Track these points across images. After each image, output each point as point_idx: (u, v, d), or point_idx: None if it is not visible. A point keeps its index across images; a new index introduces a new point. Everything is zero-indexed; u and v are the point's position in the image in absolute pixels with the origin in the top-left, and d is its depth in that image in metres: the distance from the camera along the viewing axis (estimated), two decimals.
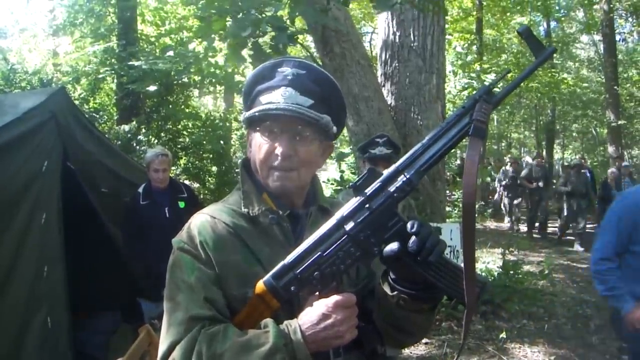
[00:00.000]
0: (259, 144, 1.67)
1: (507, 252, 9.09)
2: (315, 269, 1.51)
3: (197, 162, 14.08)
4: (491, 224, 16.35)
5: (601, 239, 3.85)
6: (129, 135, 11.78)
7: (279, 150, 1.63)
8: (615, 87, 19.67)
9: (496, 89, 1.59)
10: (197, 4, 6.26)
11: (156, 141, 12.62)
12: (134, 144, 11.56)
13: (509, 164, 16.33)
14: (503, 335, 6.35)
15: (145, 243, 5.18)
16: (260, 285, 1.52)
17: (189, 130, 14.14)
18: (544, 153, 25.76)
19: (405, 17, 7.59)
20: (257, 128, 1.68)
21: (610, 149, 19.88)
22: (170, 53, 9.09)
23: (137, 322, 5.00)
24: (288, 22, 5.34)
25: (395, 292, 1.57)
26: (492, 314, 6.97)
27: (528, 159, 23.20)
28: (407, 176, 1.49)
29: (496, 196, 17.77)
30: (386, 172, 1.51)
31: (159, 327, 3.61)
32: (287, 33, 5.13)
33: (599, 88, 25.18)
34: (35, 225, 4.21)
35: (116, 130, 11.92)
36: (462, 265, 1.47)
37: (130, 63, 11.42)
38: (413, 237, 1.44)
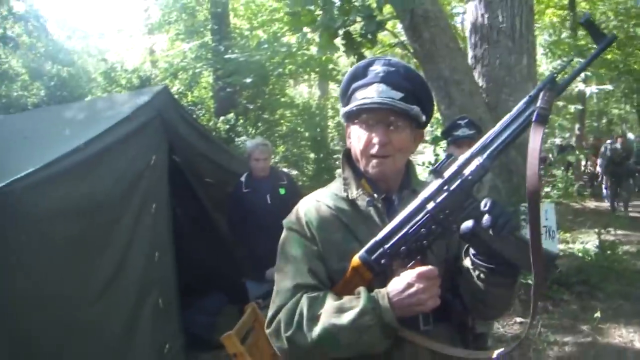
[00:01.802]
0: (358, 135, 1.86)
1: (605, 231, 8.88)
2: (402, 244, 1.69)
3: (295, 149, 14.33)
4: (591, 204, 15.89)
5: None
6: (227, 126, 12.15)
7: (375, 139, 1.80)
8: None
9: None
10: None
11: (254, 131, 12.94)
12: (233, 135, 11.92)
13: (613, 141, 15.33)
14: (598, 314, 6.25)
15: (249, 228, 5.48)
16: (355, 259, 1.73)
17: (286, 118, 14.40)
18: None
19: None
20: (355, 121, 1.87)
21: None
22: (265, 46, 9.23)
23: (241, 303, 5.31)
24: (376, 10, 5.47)
25: (475, 267, 1.73)
26: (587, 294, 6.88)
27: (630, 135, 22.37)
28: (481, 161, 1.64)
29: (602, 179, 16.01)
30: (461, 157, 1.68)
31: (263, 305, 3.88)
32: (376, 21, 5.26)
33: None
34: (146, 214, 4.52)
35: (215, 122, 12.33)
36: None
37: (227, 57, 11.77)
38: (486, 215, 1.58)
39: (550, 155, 18.11)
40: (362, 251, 1.73)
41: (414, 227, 1.70)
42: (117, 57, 19.72)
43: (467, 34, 8.45)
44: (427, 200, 1.70)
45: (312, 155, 15.23)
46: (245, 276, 5.41)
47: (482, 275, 1.72)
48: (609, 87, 16.70)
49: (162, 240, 4.64)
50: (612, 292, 7.02)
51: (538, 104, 1.60)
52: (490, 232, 1.59)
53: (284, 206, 5.69)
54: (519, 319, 6.11)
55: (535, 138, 1.56)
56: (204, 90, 15.29)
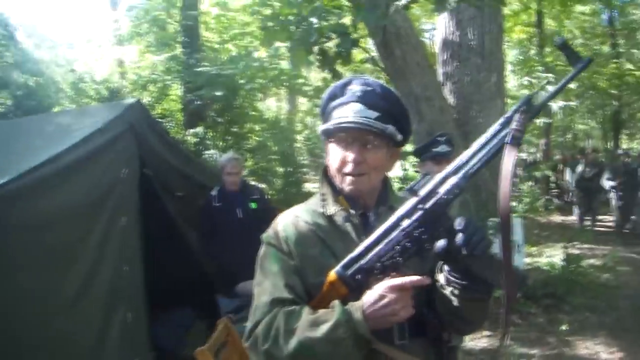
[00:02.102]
0: (334, 153, 1.92)
1: (570, 245, 9.04)
2: (377, 260, 1.73)
3: (263, 163, 14.36)
4: (557, 218, 16.11)
5: None
6: (196, 140, 12.14)
7: (350, 157, 1.87)
8: None
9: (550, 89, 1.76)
10: (262, 14, 6.50)
11: (223, 145, 12.96)
12: (202, 149, 11.90)
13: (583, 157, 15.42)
14: (565, 327, 6.38)
15: (219, 243, 5.48)
16: (331, 274, 1.77)
17: (255, 132, 14.43)
18: (611, 144, 25.18)
19: (463, 17, 7.68)
20: (332, 139, 1.92)
21: None
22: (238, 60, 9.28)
23: (210, 319, 5.28)
24: (351, 28, 5.53)
25: (449, 283, 1.76)
26: (554, 307, 6.99)
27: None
28: (456, 180, 1.69)
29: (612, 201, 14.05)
30: (437, 176, 1.72)
31: (235, 320, 3.87)
32: (350, 39, 5.33)
33: None
34: (116, 228, 4.47)
35: (184, 135, 12.31)
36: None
37: (198, 70, 11.77)
38: (460, 234, 1.63)
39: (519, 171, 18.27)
40: (338, 266, 1.77)
41: (388, 244, 1.73)
42: (86, 67, 19.59)
43: (437, 50, 8.57)
44: (402, 218, 1.74)
45: (280, 169, 15.28)
46: (216, 291, 5.40)
47: (455, 292, 1.76)
48: (574, 103, 16.97)
49: (132, 254, 4.59)
50: (578, 305, 7.15)
51: (512, 126, 1.65)
52: (464, 250, 1.63)
53: (255, 220, 5.76)
54: (486, 333, 6.18)
55: (508, 160, 1.62)
56: (173, 102, 15.25)
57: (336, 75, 5.94)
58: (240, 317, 4.40)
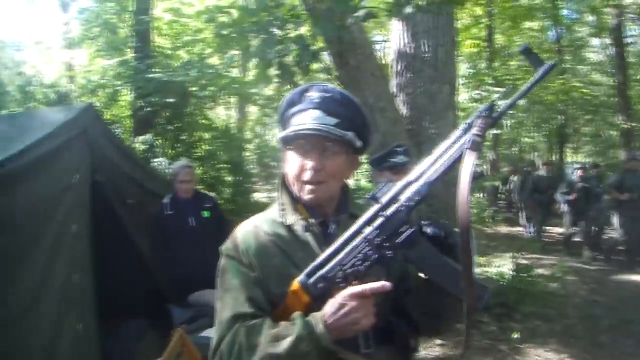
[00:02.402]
0: (293, 160, 1.89)
1: (519, 255, 9.20)
2: (340, 269, 1.73)
3: (212, 172, 14.24)
4: (503, 229, 16.39)
5: None
6: (145, 147, 11.97)
7: (309, 165, 1.84)
8: (627, 90, 19.71)
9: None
10: (218, 21, 6.42)
11: (172, 153, 12.82)
12: (151, 156, 11.73)
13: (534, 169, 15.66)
14: (517, 335, 6.48)
15: (172, 252, 5.40)
16: (295, 283, 1.77)
17: (204, 141, 14.31)
18: (556, 157, 25.78)
19: (418, 30, 7.72)
20: (291, 147, 1.89)
21: (622, 152, 19.87)
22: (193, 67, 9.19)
23: (163, 329, 5.18)
24: (310, 40, 5.51)
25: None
26: (506, 315, 7.08)
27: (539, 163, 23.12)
28: (417, 188, 1.70)
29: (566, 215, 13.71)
30: (399, 184, 1.73)
31: (189, 331, 3.81)
32: (310, 51, 5.31)
33: (610, 91, 25.16)
34: (67, 235, 4.36)
35: (133, 143, 12.12)
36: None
37: (150, 76, 11.62)
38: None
39: None
40: (302, 275, 1.76)
41: (350, 253, 1.74)
42: (35, 70, 19.16)
43: (390, 62, 8.61)
44: (364, 226, 1.75)
45: (229, 179, 15.18)
46: (169, 301, 5.31)
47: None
48: (522, 115, 17.30)
49: (83, 263, 4.47)
50: (529, 314, 7.27)
51: (473, 131, 1.67)
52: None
53: (208, 230, 5.68)
54: (439, 341, 6.21)
55: (467, 165, 1.63)
56: (122, 109, 15.01)
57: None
58: (194, 327, 4.33)
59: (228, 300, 1.84)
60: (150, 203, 5.77)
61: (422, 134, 7.61)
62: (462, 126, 1.72)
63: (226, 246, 1.95)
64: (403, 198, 1.72)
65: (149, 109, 12.41)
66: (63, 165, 4.51)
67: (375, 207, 1.74)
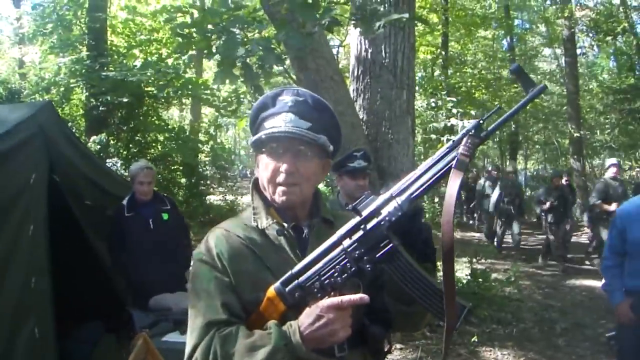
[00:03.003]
0: (266, 163, 1.88)
1: (474, 260, 9.32)
2: (316, 279, 1.72)
3: (166, 173, 14.09)
4: (456, 234, 16.54)
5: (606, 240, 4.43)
6: (98, 147, 11.79)
7: (283, 167, 1.83)
8: (577, 99, 20.19)
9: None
10: (176, 21, 6.35)
11: (125, 153, 12.65)
12: (104, 156, 11.55)
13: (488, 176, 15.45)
14: (475, 339, 6.57)
15: (130, 254, 5.31)
16: (270, 290, 1.76)
17: (159, 142, 14.16)
18: (507, 164, 26.22)
19: (377, 35, 7.77)
20: (263, 150, 1.89)
21: (572, 160, 20.35)
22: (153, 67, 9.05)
23: (120, 333, 5.10)
24: (275, 43, 5.48)
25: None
26: (463, 319, 7.15)
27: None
28: (399, 203, 1.68)
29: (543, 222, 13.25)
30: (381, 198, 1.72)
31: (151, 335, 3.75)
32: (274, 54, 5.27)
33: (561, 100, 25.74)
34: (23, 237, 4.24)
35: (86, 142, 11.92)
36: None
37: (104, 74, 11.44)
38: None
39: None
40: (278, 282, 1.74)
41: (328, 263, 1.73)
42: None
43: (344, 64, 8.64)
44: (343, 237, 1.74)
45: (183, 180, 15.05)
46: (126, 304, 5.22)
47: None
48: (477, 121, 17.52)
49: (40, 265, 4.34)
50: (485, 317, 7.41)
51: (460, 150, 1.66)
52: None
53: (167, 232, 5.60)
54: (398, 345, 6.27)
55: (452, 184, 1.62)
56: (75, 108, 14.74)
57: (258, 90, 5.88)
58: (156, 332, 4.27)
59: (200, 307, 1.81)
60: (109, 204, 5.67)
61: (380, 139, 7.64)
62: (449, 144, 1.71)
63: (198, 250, 1.91)
64: (384, 212, 1.70)
65: (102, 108, 12.22)
66: (20, 165, 4.39)
67: (356, 220, 1.73)
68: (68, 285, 4.92)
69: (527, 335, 7.17)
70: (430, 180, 1.69)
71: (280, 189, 1.86)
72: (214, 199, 17.88)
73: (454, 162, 1.65)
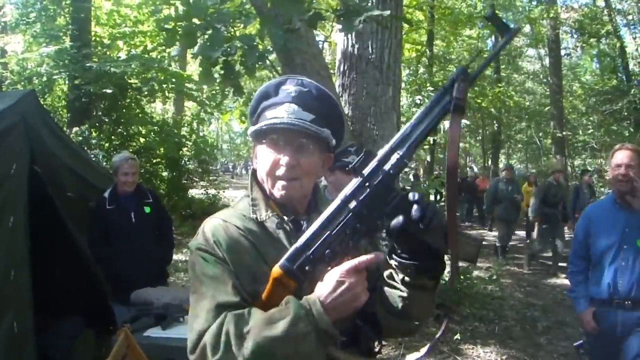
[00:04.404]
0: (265, 155, 1.83)
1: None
2: (326, 247, 1.64)
3: (148, 166, 14.01)
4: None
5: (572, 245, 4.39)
6: (80, 138, 11.69)
7: (283, 160, 1.78)
8: (560, 99, 20.32)
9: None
10: (162, 14, 6.27)
11: (107, 145, 12.57)
12: (85, 148, 11.46)
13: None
14: (457, 336, 6.60)
15: (111, 247, 5.24)
16: (276, 269, 1.66)
17: (141, 134, 14.08)
18: (489, 163, 26.40)
19: (363, 30, 7.71)
20: (263, 141, 1.83)
21: (555, 160, 20.48)
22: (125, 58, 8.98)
23: (100, 327, 5.03)
24: (258, 40, 5.41)
25: (400, 268, 1.73)
26: (445, 316, 7.16)
27: (474, 168, 23.58)
28: (400, 154, 1.64)
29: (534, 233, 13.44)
30: (380, 152, 1.67)
31: (132, 330, 3.70)
32: (257, 52, 5.21)
33: (543, 100, 25.92)
34: (3, 228, 4.15)
35: (67, 133, 11.83)
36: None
37: (88, 65, 11.34)
38: (415, 206, 1.58)
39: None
40: (282, 260, 1.66)
41: (337, 228, 1.66)
42: None
43: (330, 59, 8.61)
44: (347, 200, 1.67)
45: (165, 174, 14.97)
46: (107, 298, 5.15)
47: (406, 278, 1.74)
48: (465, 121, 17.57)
49: (19, 257, 4.24)
50: (468, 315, 7.46)
51: (454, 94, 1.63)
52: (420, 224, 1.59)
53: (149, 225, 5.53)
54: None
55: (453, 127, 1.61)
56: (57, 99, 14.60)
57: (238, 91, 5.82)
58: (137, 326, 4.22)
59: (206, 290, 1.72)
60: (91, 196, 5.59)
61: (365, 135, 7.63)
62: (439, 90, 1.68)
63: (195, 241, 1.83)
64: (387, 167, 1.65)
65: (85, 99, 12.12)
66: (0, 154, 4.30)
67: (358, 179, 1.67)
68: (48, 278, 4.85)
69: (509, 333, 7.23)
70: (427, 128, 1.66)
71: (280, 182, 1.82)
72: (195, 192, 17.81)
73: (450, 106, 1.63)
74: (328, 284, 1.61)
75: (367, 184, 1.66)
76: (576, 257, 4.42)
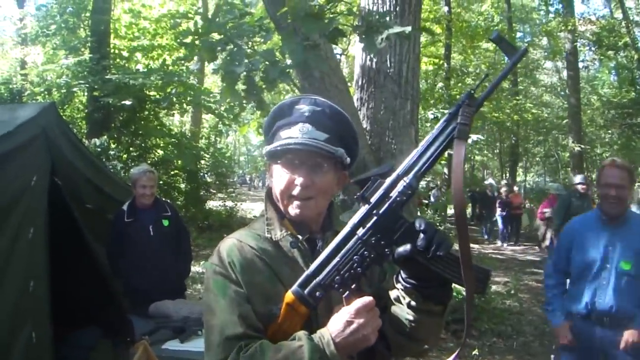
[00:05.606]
0: (280, 175, 1.84)
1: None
2: (336, 274, 1.68)
3: (166, 178, 14.07)
4: (455, 246, 16.57)
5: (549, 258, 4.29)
6: (99, 150, 11.76)
7: (298, 180, 1.80)
8: (578, 112, 20.22)
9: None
10: (181, 28, 6.30)
11: (125, 156, 12.63)
12: (104, 159, 11.54)
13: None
14: (475, 352, 6.54)
15: (130, 260, 5.25)
16: (289, 295, 1.71)
17: (159, 147, 14.15)
18: (507, 176, 26.26)
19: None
20: (278, 161, 1.85)
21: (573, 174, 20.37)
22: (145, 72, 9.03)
23: (117, 338, 5.04)
24: (279, 56, 5.42)
25: (407, 293, 1.74)
26: (462, 331, 7.12)
27: (491, 181, 23.48)
28: (407, 181, 1.66)
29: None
30: (388, 180, 1.69)
31: (151, 343, 3.71)
32: (279, 67, 5.22)
33: (561, 113, 25.79)
34: (22, 239, 4.18)
35: (86, 145, 11.91)
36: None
37: (107, 77, 11.42)
38: (421, 235, 1.60)
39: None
40: (294, 286, 1.70)
41: (346, 255, 1.69)
42: None
43: (354, 75, 8.61)
44: (356, 227, 1.70)
45: (183, 186, 15.02)
46: (125, 310, 5.17)
47: (412, 303, 1.73)
48: (478, 136, 17.48)
49: (39, 269, 4.28)
50: (486, 330, 7.40)
51: (458, 120, 1.65)
52: (428, 252, 1.61)
53: (167, 239, 5.53)
54: None
55: (458, 154, 1.62)
56: (77, 110, 14.72)
57: (260, 106, 5.83)
58: (155, 339, 4.22)
59: (215, 323, 1.76)
60: (110, 209, 5.62)
61: (383, 149, 7.61)
62: (445, 116, 1.70)
63: (211, 261, 1.86)
64: (394, 193, 1.68)
65: (104, 111, 12.21)
66: (21, 166, 4.34)
67: (366, 207, 1.70)
68: (66, 289, 4.87)
69: (528, 348, 7.16)
70: (435, 154, 1.68)
71: (295, 202, 1.83)
72: (213, 204, 17.85)
73: (455, 132, 1.64)
74: (338, 323, 1.64)
75: (374, 211, 1.69)
76: (555, 270, 4.33)
